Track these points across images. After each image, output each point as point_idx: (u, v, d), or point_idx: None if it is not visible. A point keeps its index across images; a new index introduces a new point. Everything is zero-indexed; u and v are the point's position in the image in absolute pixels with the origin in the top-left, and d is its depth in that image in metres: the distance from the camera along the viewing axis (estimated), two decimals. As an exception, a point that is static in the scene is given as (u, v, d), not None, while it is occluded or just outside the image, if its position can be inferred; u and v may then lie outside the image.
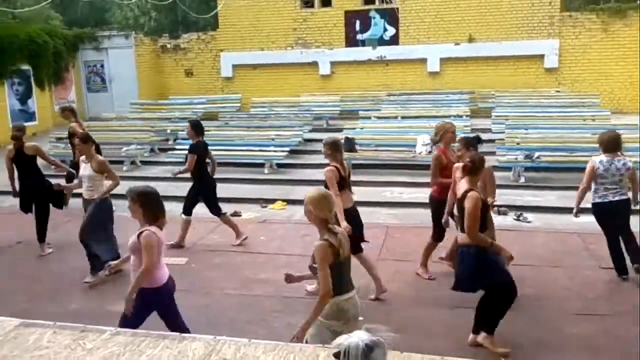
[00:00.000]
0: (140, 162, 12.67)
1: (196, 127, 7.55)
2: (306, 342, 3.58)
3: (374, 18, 16.35)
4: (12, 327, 3.17)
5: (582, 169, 10.04)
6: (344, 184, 5.53)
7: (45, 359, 2.85)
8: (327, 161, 5.71)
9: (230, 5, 17.16)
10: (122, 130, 14.13)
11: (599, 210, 6.15)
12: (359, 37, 16.50)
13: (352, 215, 5.51)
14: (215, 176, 7.95)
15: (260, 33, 17.10)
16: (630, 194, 6.01)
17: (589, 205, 8.84)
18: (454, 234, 5.23)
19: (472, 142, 5.75)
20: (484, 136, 12.41)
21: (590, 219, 8.40)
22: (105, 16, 25.21)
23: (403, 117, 13.60)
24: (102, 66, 17.83)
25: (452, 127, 6.27)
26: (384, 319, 5.20)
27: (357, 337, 2.22)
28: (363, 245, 5.74)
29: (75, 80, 17.61)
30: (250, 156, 11.88)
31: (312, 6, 16.85)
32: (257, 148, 12.15)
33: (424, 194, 9.95)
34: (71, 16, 23.61)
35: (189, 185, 7.79)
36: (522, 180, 10.30)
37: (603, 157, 6.09)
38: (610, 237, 6.10)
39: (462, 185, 4.62)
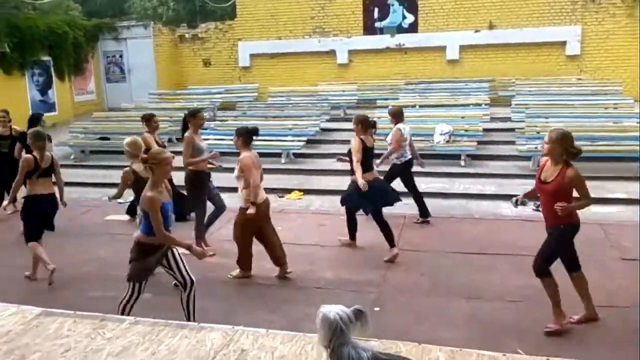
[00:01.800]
0: (159, 151, 12.74)
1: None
2: None
3: (392, 5, 16.19)
4: (33, 316, 3.23)
5: (604, 159, 10.10)
6: (44, 173, 6.16)
7: (65, 347, 2.91)
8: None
9: (247, -6, 17.15)
10: (140, 121, 14.21)
11: (405, 166, 7.80)
12: (377, 24, 16.37)
13: (47, 201, 6.11)
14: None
15: (277, 22, 17.06)
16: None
17: (610, 196, 8.79)
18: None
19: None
20: (503, 125, 12.40)
21: (611, 209, 8.34)
22: (124, 6, 25.31)
23: (421, 106, 13.48)
24: (121, 56, 17.95)
25: None
26: (401, 310, 5.21)
27: (339, 308, 2.29)
28: None
29: (95, 71, 17.77)
30: (267, 146, 11.89)
31: (329, -6, 16.75)
32: (274, 138, 12.16)
33: (441, 184, 9.95)
34: (90, 7, 23.75)
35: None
36: (542, 169, 10.16)
37: (402, 125, 7.81)
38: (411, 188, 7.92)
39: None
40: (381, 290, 5.67)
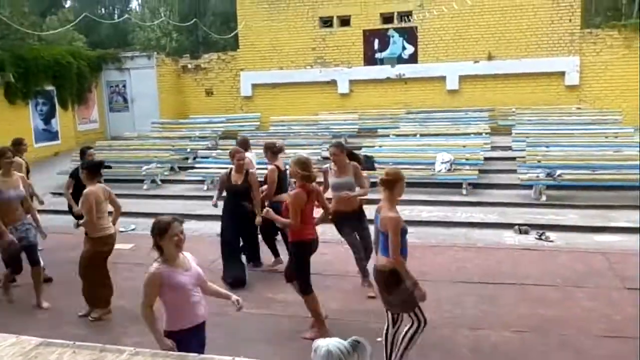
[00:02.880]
0: (161, 180, 12.79)
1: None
2: None
3: (392, 37, 16.40)
4: (32, 347, 3.18)
5: (605, 187, 10.10)
6: None
7: (64, 378, 2.86)
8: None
9: (250, 25, 17.41)
10: (142, 149, 14.30)
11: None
12: (378, 55, 16.56)
13: None
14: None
15: (279, 53, 17.27)
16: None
17: (613, 224, 8.76)
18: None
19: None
20: (504, 154, 12.43)
21: (613, 238, 8.31)
22: (128, 37, 25.67)
23: (422, 135, 13.54)
24: (124, 86, 18.12)
25: None
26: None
27: (336, 341, 2.21)
28: None
29: (98, 100, 17.91)
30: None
31: (331, 26, 16.98)
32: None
33: (443, 213, 9.94)
34: (95, 37, 24.08)
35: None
36: (544, 198, 10.16)
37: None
38: None
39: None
40: (384, 321, 5.60)
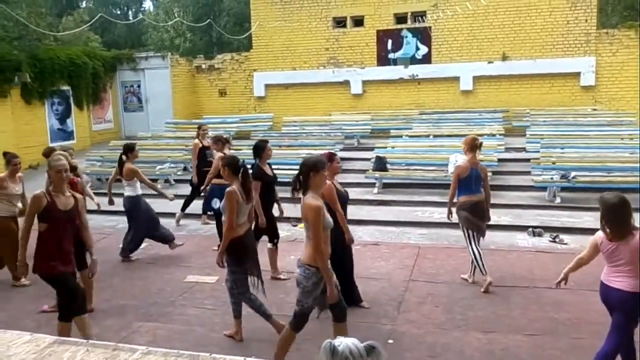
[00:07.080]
0: (174, 180, 12.87)
1: None
2: None
3: (406, 37, 16.36)
4: (46, 344, 3.22)
5: (620, 189, 9.94)
6: None
7: (77, 377, 2.88)
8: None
9: (263, 26, 17.46)
10: (156, 149, 14.40)
11: None
12: (391, 56, 16.53)
13: None
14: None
15: (292, 53, 17.30)
16: None
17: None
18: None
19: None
20: (518, 155, 12.34)
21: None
22: (142, 38, 25.89)
23: (435, 136, 13.49)
24: (138, 86, 18.26)
25: None
26: (415, 343, 5.13)
27: (351, 341, 2.12)
28: None
29: (113, 100, 18.08)
30: (281, 175, 11.88)
31: (344, 26, 16.97)
32: (288, 167, 12.19)
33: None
34: (109, 38, 24.33)
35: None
36: (558, 200, 10.08)
37: None
38: None
39: None
40: (395, 323, 5.60)
